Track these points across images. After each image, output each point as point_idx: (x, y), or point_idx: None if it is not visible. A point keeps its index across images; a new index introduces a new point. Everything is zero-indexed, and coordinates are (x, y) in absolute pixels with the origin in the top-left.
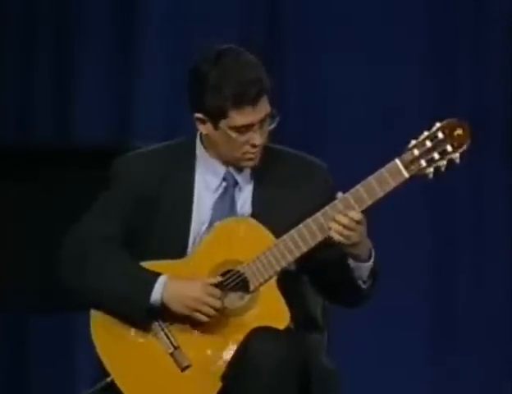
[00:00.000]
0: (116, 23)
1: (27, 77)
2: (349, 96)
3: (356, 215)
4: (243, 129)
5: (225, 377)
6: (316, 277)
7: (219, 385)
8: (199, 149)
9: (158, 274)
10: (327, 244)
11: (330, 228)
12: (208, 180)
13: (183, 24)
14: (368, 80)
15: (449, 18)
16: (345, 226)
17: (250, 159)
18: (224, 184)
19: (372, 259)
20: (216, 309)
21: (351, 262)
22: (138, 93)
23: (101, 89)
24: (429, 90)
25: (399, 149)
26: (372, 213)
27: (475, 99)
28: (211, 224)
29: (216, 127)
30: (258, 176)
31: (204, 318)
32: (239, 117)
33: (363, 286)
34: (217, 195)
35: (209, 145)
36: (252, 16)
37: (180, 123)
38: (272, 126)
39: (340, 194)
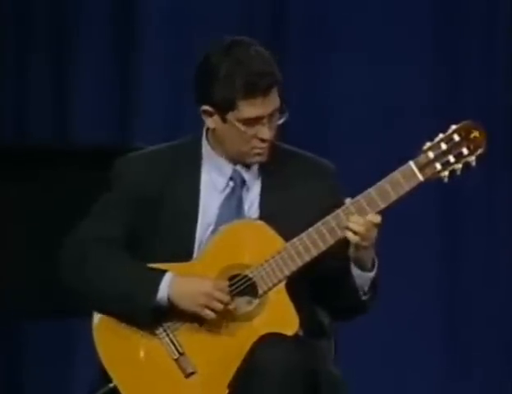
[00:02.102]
0: (116, 22)
1: (25, 77)
2: (352, 96)
3: (376, 218)
4: (252, 121)
5: (231, 385)
6: (319, 285)
7: (225, 392)
8: (205, 148)
9: (163, 271)
10: (335, 249)
11: (346, 227)
12: (214, 179)
13: (183, 23)
14: (371, 80)
15: (454, 17)
16: (364, 228)
17: (258, 154)
18: (231, 184)
19: (374, 270)
20: (221, 311)
21: (354, 270)
22: (138, 94)
23: (100, 89)
24: (434, 91)
25: (402, 150)
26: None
27: (481, 99)
28: (217, 226)
29: (223, 120)
30: (266, 176)
31: (212, 315)
32: (248, 109)
33: (364, 298)
34: (223, 196)
35: (216, 141)
36: (253, 16)
37: (181, 123)
38: (281, 121)
39: (348, 200)
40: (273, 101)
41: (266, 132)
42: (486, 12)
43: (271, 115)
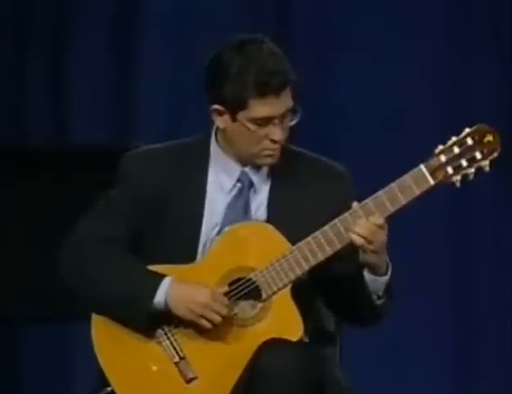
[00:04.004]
0: (116, 22)
1: (24, 77)
2: (359, 97)
3: (378, 219)
4: (263, 121)
5: (234, 391)
6: (330, 291)
7: None
8: (214, 148)
9: (163, 276)
10: (345, 253)
11: (353, 232)
12: (221, 180)
13: (185, 24)
14: (378, 80)
15: (462, 16)
16: (368, 230)
17: (269, 156)
18: (238, 185)
19: (388, 274)
20: (222, 317)
21: (366, 275)
22: (139, 94)
23: (100, 89)
24: (443, 91)
25: (411, 152)
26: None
27: (492, 100)
28: (222, 228)
29: (234, 119)
30: (274, 179)
31: (208, 325)
32: (260, 108)
33: (378, 302)
34: (230, 197)
35: (225, 141)
36: (257, 16)
37: (181, 123)
38: (294, 122)
39: (355, 204)
40: (285, 101)
41: (277, 133)
42: (500, 11)
43: (283, 115)
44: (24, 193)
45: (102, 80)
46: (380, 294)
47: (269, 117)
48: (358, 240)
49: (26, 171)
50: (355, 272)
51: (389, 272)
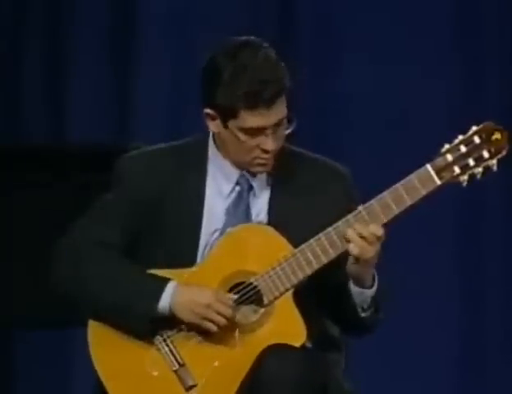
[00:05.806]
0: (115, 22)
1: (21, 78)
2: (364, 97)
3: (378, 230)
4: (254, 131)
5: None
6: (319, 298)
7: None
8: (212, 150)
9: (167, 280)
10: (342, 259)
11: (348, 240)
12: (219, 184)
13: (185, 23)
14: (382, 80)
15: (468, 15)
16: (363, 238)
17: (261, 165)
18: (237, 188)
19: (375, 287)
20: (226, 319)
21: (353, 287)
22: (138, 94)
23: (99, 89)
24: (449, 90)
25: (418, 152)
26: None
27: (498, 99)
28: (223, 232)
29: (225, 126)
30: (275, 182)
31: (213, 328)
32: (250, 119)
33: (363, 315)
34: (229, 201)
35: (220, 145)
36: (258, 16)
37: (181, 124)
38: (288, 131)
39: (360, 207)
40: (278, 111)
41: (269, 143)
42: (499, 10)
43: (276, 125)
44: (23, 193)
45: (102, 79)
46: (365, 306)
47: (260, 128)
48: (353, 249)
49: (25, 171)
50: (342, 282)
51: (375, 286)
